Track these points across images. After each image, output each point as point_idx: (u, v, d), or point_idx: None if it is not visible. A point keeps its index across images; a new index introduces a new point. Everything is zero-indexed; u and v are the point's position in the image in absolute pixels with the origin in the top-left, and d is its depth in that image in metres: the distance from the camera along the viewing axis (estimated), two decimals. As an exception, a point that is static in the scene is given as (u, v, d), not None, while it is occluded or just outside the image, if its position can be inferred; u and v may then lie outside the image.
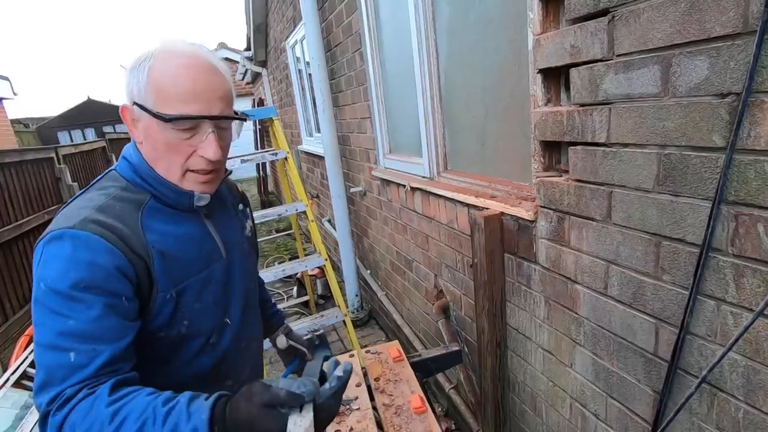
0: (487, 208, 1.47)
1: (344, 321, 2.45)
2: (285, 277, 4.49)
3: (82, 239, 0.67)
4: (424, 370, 1.43)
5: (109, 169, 0.83)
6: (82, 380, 0.62)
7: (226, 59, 11.91)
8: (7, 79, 11.10)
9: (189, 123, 0.72)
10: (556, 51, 1.07)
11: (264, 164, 8.23)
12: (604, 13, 0.91)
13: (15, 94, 11.28)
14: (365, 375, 1.33)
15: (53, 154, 4.74)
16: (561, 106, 1.13)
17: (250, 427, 0.59)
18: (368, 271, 3.33)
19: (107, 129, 14.26)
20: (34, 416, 2.50)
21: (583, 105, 1.02)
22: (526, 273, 1.37)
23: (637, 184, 0.91)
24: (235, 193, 1.03)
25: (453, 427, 2.12)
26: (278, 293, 4.27)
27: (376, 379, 1.28)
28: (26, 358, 2.87)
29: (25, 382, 2.70)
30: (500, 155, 1.56)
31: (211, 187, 0.81)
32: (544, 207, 1.22)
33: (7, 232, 3.53)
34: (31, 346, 3.05)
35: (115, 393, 0.61)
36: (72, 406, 0.60)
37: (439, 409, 2.33)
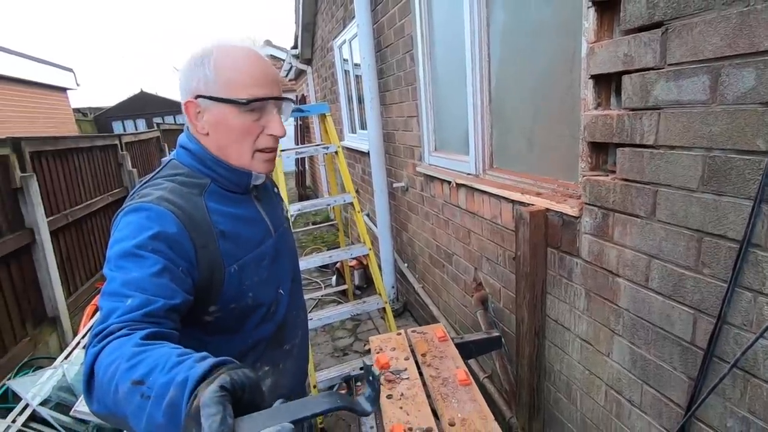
0: (532, 204, 1.56)
1: (384, 308, 2.59)
2: (322, 267, 4.69)
3: (156, 212, 0.74)
4: (466, 351, 1.54)
5: (168, 158, 0.90)
6: (129, 321, 0.63)
7: (272, 56, 12.34)
8: (71, 70, 11.96)
9: (260, 104, 0.82)
10: (609, 59, 1.15)
11: (303, 159, 8.52)
12: (658, 25, 0.99)
13: (78, 84, 12.13)
14: (413, 351, 1.45)
15: (117, 142, 5.15)
16: (611, 109, 1.21)
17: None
18: (405, 264, 3.45)
19: (157, 119, 15.09)
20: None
21: (633, 109, 1.10)
22: (568, 266, 1.45)
23: (682, 183, 0.99)
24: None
25: (485, 414, 2.21)
26: (315, 281, 4.47)
27: (423, 355, 1.40)
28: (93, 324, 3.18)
29: (92, 346, 3.00)
30: (547, 155, 1.65)
31: (271, 166, 0.90)
32: (589, 204, 1.30)
33: (79, 211, 3.89)
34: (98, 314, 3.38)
35: (149, 339, 0.60)
36: (111, 340, 0.60)
37: (472, 398, 2.43)
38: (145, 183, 0.85)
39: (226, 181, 0.88)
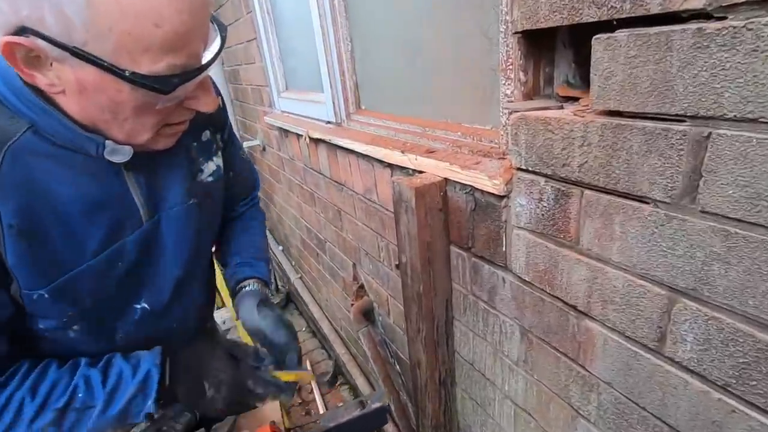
0: (420, 172, 0.86)
1: (237, 325, 1.81)
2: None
3: None
4: (326, 445, 0.86)
5: None
6: None
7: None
8: None
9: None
10: None
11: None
12: None
13: None
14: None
15: None
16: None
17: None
18: (280, 248, 2.67)
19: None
20: None
21: None
22: (487, 281, 0.80)
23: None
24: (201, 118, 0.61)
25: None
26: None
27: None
28: None
29: None
30: (443, 80, 0.93)
31: (175, 141, 0.58)
32: (524, 170, 0.63)
33: None
34: None
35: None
36: None
37: None
38: None
39: (60, 138, 0.51)
